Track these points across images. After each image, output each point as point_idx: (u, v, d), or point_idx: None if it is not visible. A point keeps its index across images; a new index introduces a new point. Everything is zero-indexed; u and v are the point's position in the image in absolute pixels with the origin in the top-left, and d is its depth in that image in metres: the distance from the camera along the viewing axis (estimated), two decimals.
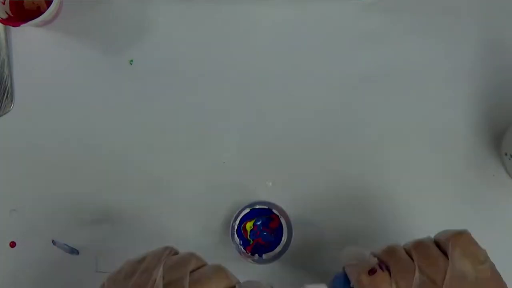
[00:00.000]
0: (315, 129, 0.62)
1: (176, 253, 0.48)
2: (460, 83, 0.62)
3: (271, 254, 0.59)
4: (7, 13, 0.61)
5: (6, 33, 0.63)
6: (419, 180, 0.62)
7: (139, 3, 0.64)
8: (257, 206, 0.59)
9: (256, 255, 0.59)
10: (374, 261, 0.47)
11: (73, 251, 0.62)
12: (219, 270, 0.45)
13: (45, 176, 0.63)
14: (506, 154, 0.60)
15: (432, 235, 0.49)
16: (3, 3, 0.61)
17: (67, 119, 0.63)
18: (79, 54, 0.63)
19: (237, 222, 0.59)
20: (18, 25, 0.59)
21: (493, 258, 0.62)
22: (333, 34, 0.63)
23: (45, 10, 0.59)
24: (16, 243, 0.62)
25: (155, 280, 0.43)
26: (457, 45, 0.63)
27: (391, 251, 0.47)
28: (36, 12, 0.63)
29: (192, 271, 0.45)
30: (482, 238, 0.62)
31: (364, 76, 0.63)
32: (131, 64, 0.63)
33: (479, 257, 0.45)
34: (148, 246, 0.62)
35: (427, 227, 0.61)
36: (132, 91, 0.63)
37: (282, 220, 0.59)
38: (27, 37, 0.64)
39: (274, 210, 0.59)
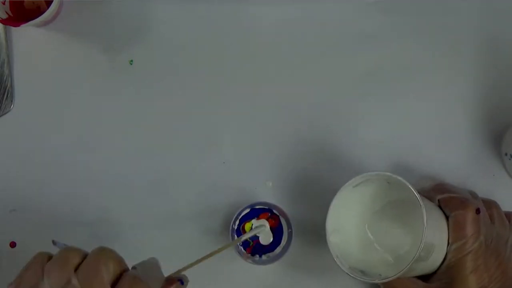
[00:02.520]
0: (315, 129, 0.62)
1: (50, 256, 0.42)
2: (460, 83, 0.62)
3: (271, 255, 0.59)
4: (7, 13, 0.61)
5: (6, 33, 0.63)
6: (419, 179, 0.62)
7: (139, 3, 0.63)
8: (257, 206, 0.59)
9: (256, 255, 0.59)
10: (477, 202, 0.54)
11: None
12: (103, 250, 0.41)
13: (45, 176, 0.63)
14: (506, 154, 0.60)
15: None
16: (3, 3, 0.61)
17: (67, 119, 0.63)
18: (79, 54, 0.63)
19: (237, 222, 0.59)
20: (19, 25, 0.59)
21: None
22: (333, 34, 0.63)
23: (45, 10, 0.59)
24: (16, 243, 0.62)
25: None
26: (457, 45, 0.62)
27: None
28: (36, 12, 0.63)
29: (77, 266, 0.39)
30: None
31: (364, 76, 0.63)
32: (131, 64, 0.63)
33: None
34: (147, 246, 0.62)
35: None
36: (132, 91, 0.63)
37: (282, 221, 0.59)
38: (27, 37, 0.64)
39: (274, 211, 0.59)
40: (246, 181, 0.62)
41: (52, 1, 0.59)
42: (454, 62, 0.62)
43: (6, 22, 0.60)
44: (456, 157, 0.62)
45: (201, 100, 0.63)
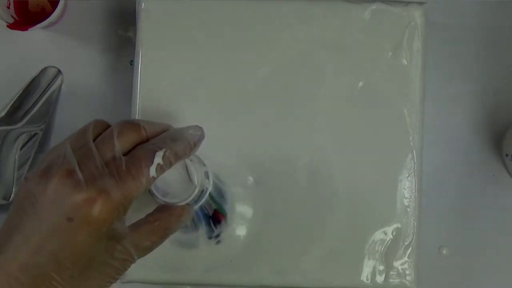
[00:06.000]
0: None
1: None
2: (460, 83, 0.62)
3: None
4: (13, 17, 0.61)
5: None
6: None
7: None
8: None
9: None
10: None
11: None
12: (123, 121, 0.46)
13: None
14: (507, 155, 0.59)
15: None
16: (8, 7, 0.61)
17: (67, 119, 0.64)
18: (79, 54, 0.64)
19: None
20: (27, 29, 0.58)
21: (492, 258, 0.61)
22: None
23: (50, 11, 0.58)
24: None
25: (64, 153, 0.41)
26: (457, 45, 0.63)
27: None
28: (40, 14, 0.63)
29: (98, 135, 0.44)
30: (482, 238, 0.61)
31: None
32: (131, 64, 0.63)
33: None
34: None
35: (426, 227, 0.61)
36: (132, 91, 0.63)
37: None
38: (29, 38, 0.64)
39: None
40: None
41: (57, 2, 0.58)
42: (454, 61, 0.62)
43: (13, 27, 0.59)
44: (456, 157, 0.62)
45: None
